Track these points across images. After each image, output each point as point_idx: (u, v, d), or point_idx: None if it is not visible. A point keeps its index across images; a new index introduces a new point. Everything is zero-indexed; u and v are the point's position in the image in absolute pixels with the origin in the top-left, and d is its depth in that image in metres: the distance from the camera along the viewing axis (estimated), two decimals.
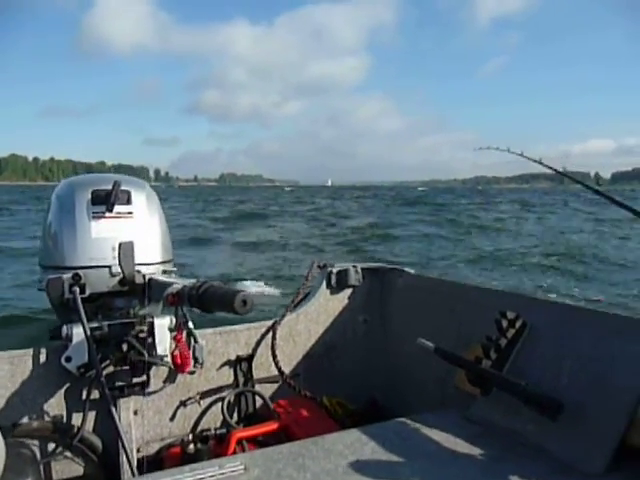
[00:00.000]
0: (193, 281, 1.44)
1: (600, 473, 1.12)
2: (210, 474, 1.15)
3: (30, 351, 1.64)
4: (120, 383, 1.68)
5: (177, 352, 1.64)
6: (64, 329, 1.61)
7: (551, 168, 1.84)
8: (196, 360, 1.79)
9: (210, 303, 1.32)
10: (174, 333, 1.68)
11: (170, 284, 1.50)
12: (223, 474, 1.15)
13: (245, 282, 10.24)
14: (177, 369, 1.68)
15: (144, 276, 1.67)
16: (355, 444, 1.28)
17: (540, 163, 1.89)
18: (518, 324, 1.48)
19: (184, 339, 1.68)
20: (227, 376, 1.95)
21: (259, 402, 1.96)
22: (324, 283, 2.16)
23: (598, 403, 1.22)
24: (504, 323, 1.47)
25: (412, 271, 2.17)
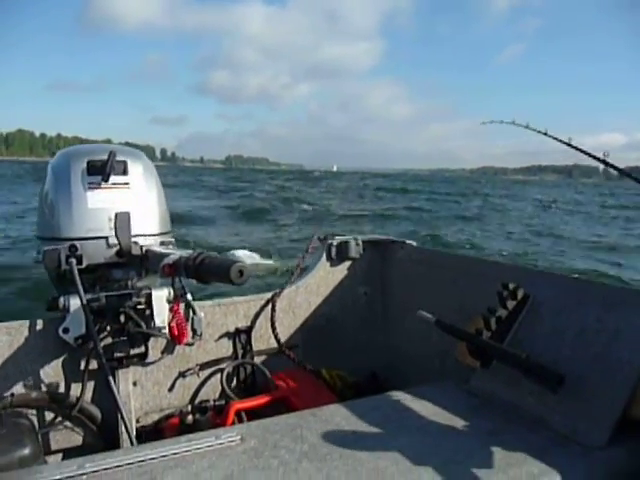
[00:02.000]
0: (190, 252, 1.42)
1: (601, 445, 1.11)
2: (207, 444, 1.14)
3: (27, 322, 1.64)
4: (118, 354, 1.68)
5: (174, 324, 1.63)
6: (61, 300, 1.60)
7: (558, 139, 1.79)
8: (195, 332, 1.78)
9: (206, 274, 1.30)
10: (172, 304, 1.67)
11: (167, 255, 1.48)
12: (220, 444, 1.14)
13: (238, 252, 10.24)
14: (174, 340, 1.67)
15: (141, 247, 1.65)
16: (353, 416, 1.27)
17: (545, 134, 1.84)
18: (520, 296, 1.46)
19: (181, 310, 1.67)
20: (226, 348, 1.94)
21: (258, 374, 1.96)
22: (324, 255, 2.14)
23: (600, 376, 1.20)
24: (506, 295, 1.45)
25: (414, 243, 2.15)
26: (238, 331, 1.95)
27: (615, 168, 1.56)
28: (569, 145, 1.78)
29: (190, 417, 1.67)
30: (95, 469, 1.06)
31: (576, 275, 1.52)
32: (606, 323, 1.27)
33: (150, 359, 1.77)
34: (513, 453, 1.10)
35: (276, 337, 1.96)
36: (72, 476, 1.04)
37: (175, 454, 1.11)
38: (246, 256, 9.89)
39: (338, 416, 1.27)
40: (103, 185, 1.65)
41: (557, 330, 1.36)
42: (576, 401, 1.21)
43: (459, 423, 1.24)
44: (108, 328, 1.65)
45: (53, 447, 1.65)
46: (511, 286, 1.45)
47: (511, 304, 1.45)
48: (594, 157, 1.65)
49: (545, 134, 1.84)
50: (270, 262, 9.81)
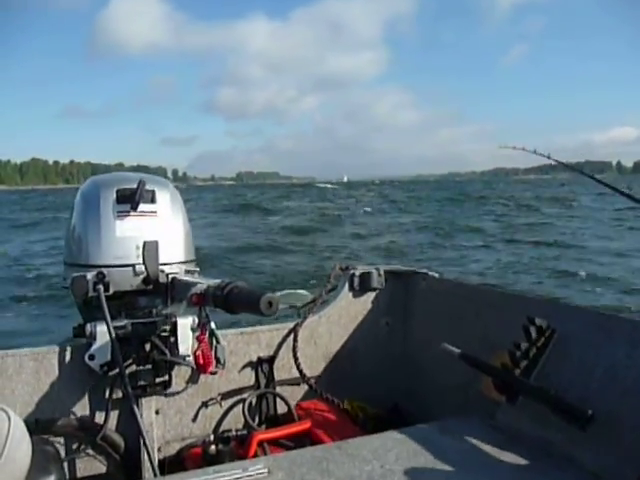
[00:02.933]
0: (217, 281, 1.43)
1: None
2: (234, 476, 1.14)
3: (54, 348, 1.66)
4: (142, 382, 1.68)
5: (200, 352, 1.64)
6: (88, 327, 1.62)
7: (587, 174, 1.81)
8: (218, 360, 1.78)
9: (235, 304, 1.31)
10: (197, 333, 1.68)
11: (194, 284, 1.49)
12: (247, 477, 1.14)
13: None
14: (199, 369, 1.67)
15: (167, 275, 1.67)
16: (379, 450, 1.27)
17: (564, 164, 1.85)
18: (547, 331, 1.44)
19: (207, 339, 1.68)
20: (248, 377, 1.94)
21: (280, 404, 1.95)
22: (346, 286, 2.15)
23: (630, 412, 1.18)
24: (532, 329, 1.44)
25: (436, 275, 2.15)
26: (260, 360, 1.95)
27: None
28: (582, 173, 1.80)
29: (213, 447, 1.66)
30: None
31: (601, 309, 1.51)
32: (635, 359, 1.26)
33: (173, 388, 1.77)
34: None
35: (298, 367, 1.96)
36: None
37: None
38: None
39: (364, 450, 1.27)
40: (132, 213, 1.68)
41: (585, 365, 1.34)
42: (606, 438, 1.19)
43: (486, 460, 1.23)
44: (133, 356, 1.66)
45: (77, 475, 1.65)
46: (537, 320, 1.44)
47: (537, 338, 1.44)
48: (610, 187, 1.67)
49: (564, 164, 1.86)
50: (304, 292, 9.68)
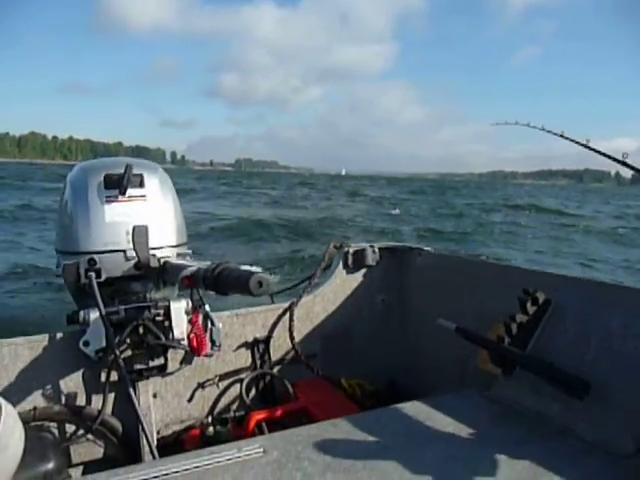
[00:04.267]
0: (208, 263, 1.42)
1: (630, 454, 1.09)
2: (229, 457, 1.14)
3: (48, 336, 1.65)
4: (138, 366, 1.68)
5: (193, 335, 1.63)
6: (81, 314, 1.61)
7: (574, 141, 1.77)
8: (213, 343, 1.77)
9: (225, 285, 1.30)
10: (190, 316, 1.68)
11: (185, 267, 1.48)
12: (242, 457, 1.14)
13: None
14: (194, 352, 1.67)
15: (159, 259, 1.66)
16: (375, 426, 1.26)
17: (561, 136, 1.82)
18: (542, 302, 1.44)
19: (200, 322, 1.67)
20: (245, 358, 1.94)
21: (277, 384, 1.95)
22: (341, 263, 2.14)
23: (627, 382, 1.18)
24: (527, 301, 1.43)
25: (431, 249, 2.13)
26: (256, 341, 1.95)
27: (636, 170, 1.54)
28: (586, 147, 1.76)
29: (211, 429, 1.67)
30: None
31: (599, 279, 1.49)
32: (632, 328, 1.25)
33: (170, 371, 1.77)
34: (540, 463, 1.08)
35: (294, 346, 1.96)
36: None
37: (198, 467, 1.11)
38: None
39: (360, 426, 1.26)
40: (120, 198, 1.66)
41: (581, 336, 1.33)
42: (603, 409, 1.19)
43: (483, 433, 1.23)
44: (128, 340, 1.65)
45: (75, 460, 1.65)
46: (532, 291, 1.43)
47: (532, 310, 1.43)
48: (613, 158, 1.63)
49: (561, 136, 1.83)
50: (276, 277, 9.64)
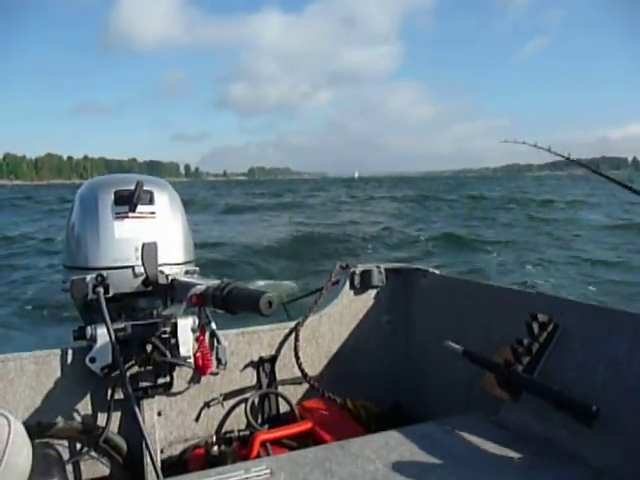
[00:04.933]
0: (217, 282, 1.42)
1: None
2: (236, 478, 1.13)
3: (55, 351, 1.65)
4: (144, 384, 1.68)
5: (199, 353, 1.63)
6: (88, 330, 1.61)
7: (582, 165, 1.79)
8: (219, 361, 1.77)
9: (234, 304, 1.30)
10: (197, 334, 1.68)
11: (193, 285, 1.49)
12: (249, 478, 1.13)
13: (259, 282, 9.97)
14: (199, 370, 1.67)
15: (167, 276, 1.66)
16: (382, 449, 1.26)
17: (568, 159, 1.84)
18: (549, 326, 1.44)
19: (206, 340, 1.67)
20: (250, 377, 1.94)
21: (282, 404, 1.95)
22: (347, 284, 2.14)
23: (635, 409, 1.17)
24: (535, 325, 1.43)
25: (437, 271, 2.14)
26: (262, 360, 1.94)
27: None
28: (596, 172, 1.78)
29: (215, 448, 1.65)
30: None
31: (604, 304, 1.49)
32: (638, 354, 1.25)
33: (175, 389, 1.76)
34: None
35: (300, 366, 1.95)
36: None
37: None
38: (268, 285, 9.57)
39: (367, 449, 1.26)
40: (130, 215, 1.67)
41: (588, 361, 1.33)
42: (611, 435, 1.18)
43: (491, 457, 1.22)
44: (134, 358, 1.65)
45: (80, 478, 1.64)
46: (540, 317, 1.43)
47: (540, 334, 1.43)
48: (619, 183, 1.65)
49: (568, 159, 1.85)
50: (288, 282, 9.59)
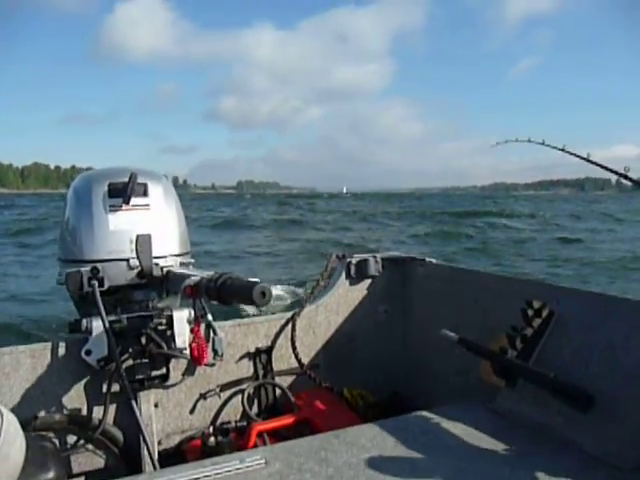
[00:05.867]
0: (211, 273, 1.42)
1: (634, 467, 1.08)
2: (230, 468, 1.13)
3: (50, 344, 1.65)
4: (140, 376, 1.68)
5: (194, 344, 1.63)
6: (83, 322, 1.61)
7: (575, 155, 1.77)
8: (215, 352, 1.77)
9: (228, 295, 1.30)
10: (192, 325, 1.68)
11: (188, 276, 1.48)
12: (244, 468, 1.13)
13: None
14: (195, 361, 1.67)
15: (162, 268, 1.66)
16: (377, 437, 1.26)
17: (563, 150, 1.82)
18: (545, 313, 1.43)
19: (202, 331, 1.67)
20: (247, 368, 1.94)
21: (279, 394, 1.95)
22: (343, 274, 2.13)
23: (631, 395, 1.17)
24: (530, 313, 1.43)
25: (434, 260, 2.13)
26: (259, 351, 1.94)
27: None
28: (588, 160, 1.76)
29: (212, 439, 1.66)
30: None
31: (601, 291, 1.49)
32: (635, 340, 1.24)
33: (171, 380, 1.76)
34: (544, 476, 1.07)
35: (297, 357, 1.95)
36: None
37: (199, 478, 1.10)
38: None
39: (363, 438, 1.26)
40: (124, 207, 1.66)
41: (584, 348, 1.33)
42: (607, 421, 1.18)
43: (487, 444, 1.22)
44: (130, 350, 1.65)
45: (76, 470, 1.64)
46: (535, 303, 1.43)
47: (535, 321, 1.43)
48: (615, 172, 1.63)
49: (562, 150, 1.83)
50: (290, 288, 9.56)
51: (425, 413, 1.39)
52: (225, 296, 1.31)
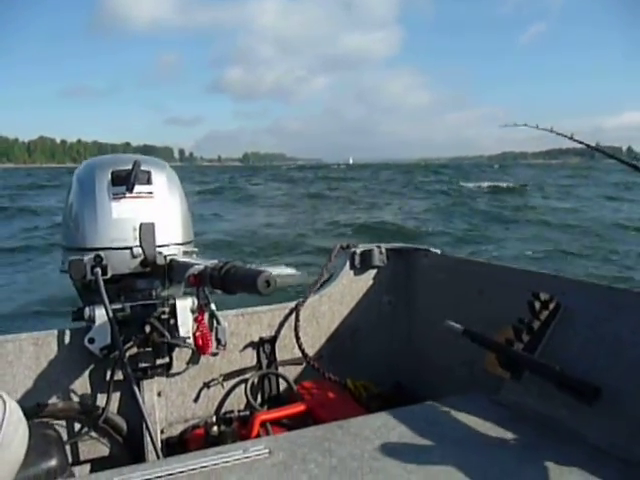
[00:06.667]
0: (215, 261, 1.41)
1: None
2: (235, 458, 1.13)
3: (53, 332, 1.65)
4: (143, 365, 1.68)
5: (199, 334, 1.62)
6: (87, 310, 1.61)
7: (582, 143, 1.75)
8: (219, 342, 1.77)
9: (232, 284, 1.29)
10: (196, 314, 1.67)
11: (192, 265, 1.47)
12: (248, 458, 1.13)
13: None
14: (199, 350, 1.66)
15: (165, 257, 1.65)
16: (382, 428, 1.25)
17: (570, 138, 1.80)
18: (552, 305, 1.42)
19: (205, 320, 1.67)
20: (250, 358, 1.93)
21: (282, 384, 1.94)
22: (347, 264, 2.12)
23: (637, 388, 1.16)
24: (537, 304, 1.42)
25: (438, 251, 2.12)
26: (262, 341, 1.94)
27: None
28: (596, 149, 1.74)
29: (215, 428, 1.66)
30: None
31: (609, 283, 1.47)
32: None
33: (174, 369, 1.76)
34: (550, 468, 1.06)
35: (300, 347, 1.94)
36: None
37: (203, 468, 1.10)
38: (274, 268, 9.41)
39: (367, 429, 1.25)
40: (128, 195, 1.65)
41: (591, 341, 1.32)
42: (613, 414, 1.17)
43: (492, 436, 1.21)
44: (133, 338, 1.65)
45: (80, 458, 1.65)
46: (542, 296, 1.42)
47: (542, 313, 1.42)
48: (622, 161, 1.61)
49: (571, 138, 1.81)
50: (297, 272, 9.53)
51: (429, 404, 1.39)
52: (229, 285, 1.30)
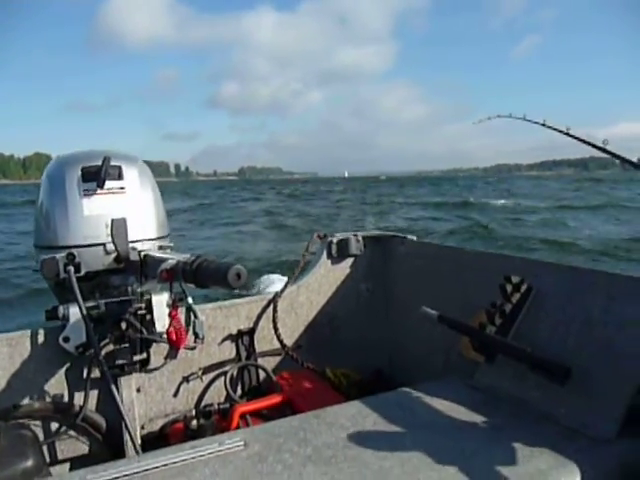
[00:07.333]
0: (187, 256, 1.40)
1: (610, 438, 1.09)
2: (210, 451, 1.13)
3: (28, 332, 1.63)
4: (120, 361, 1.67)
5: (171, 329, 1.61)
6: (60, 309, 1.59)
7: (554, 129, 1.76)
8: (196, 335, 1.76)
9: (204, 278, 1.29)
10: (171, 309, 1.66)
11: (165, 260, 1.46)
12: (223, 451, 1.13)
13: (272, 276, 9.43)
14: (173, 345, 1.66)
15: (139, 253, 1.64)
16: (357, 416, 1.26)
17: (566, 134, 1.79)
18: (523, 288, 1.43)
19: (179, 315, 1.66)
20: (229, 350, 1.93)
21: (262, 375, 1.95)
22: (324, 253, 2.12)
23: (607, 367, 1.18)
24: (509, 288, 1.43)
25: (414, 238, 2.13)
26: (240, 333, 1.94)
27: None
28: (567, 134, 1.75)
29: (195, 422, 1.66)
30: None
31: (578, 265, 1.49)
32: (612, 314, 1.25)
33: (153, 365, 1.76)
34: (521, 448, 1.08)
35: (279, 338, 1.95)
36: None
37: (178, 462, 1.10)
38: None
39: (342, 417, 1.26)
40: (99, 191, 1.63)
41: (562, 322, 1.33)
42: (583, 394, 1.19)
43: (465, 419, 1.23)
44: (109, 335, 1.64)
45: (59, 457, 1.64)
46: (514, 278, 1.43)
47: (514, 297, 1.43)
48: (593, 145, 1.63)
49: (543, 125, 1.82)
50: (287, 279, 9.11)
51: (404, 390, 1.40)
52: (201, 279, 1.29)
